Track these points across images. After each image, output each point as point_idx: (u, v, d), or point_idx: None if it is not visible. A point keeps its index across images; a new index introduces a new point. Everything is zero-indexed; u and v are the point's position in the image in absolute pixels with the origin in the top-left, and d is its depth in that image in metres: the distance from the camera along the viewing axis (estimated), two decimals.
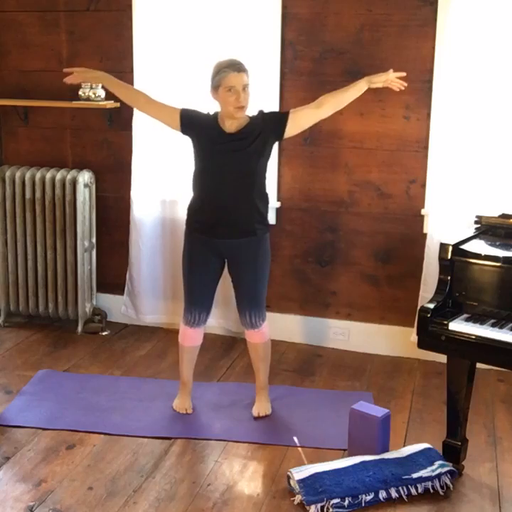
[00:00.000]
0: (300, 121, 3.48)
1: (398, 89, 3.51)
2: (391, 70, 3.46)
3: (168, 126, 3.55)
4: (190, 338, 3.68)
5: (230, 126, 3.42)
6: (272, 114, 3.61)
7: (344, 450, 3.34)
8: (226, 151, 3.41)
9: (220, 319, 4.62)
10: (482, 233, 3.30)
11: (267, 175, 3.56)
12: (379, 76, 3.47)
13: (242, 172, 3.43)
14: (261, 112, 3.50)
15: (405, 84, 3.50)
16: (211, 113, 3.50)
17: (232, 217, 3.46)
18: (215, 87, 3.37)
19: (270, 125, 3.45)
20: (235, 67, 3.33)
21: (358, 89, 3.48)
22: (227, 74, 3.31)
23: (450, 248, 3.06)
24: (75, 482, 3.09)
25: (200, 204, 3.51)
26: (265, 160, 3.48)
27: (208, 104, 3.58)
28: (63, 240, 4.62)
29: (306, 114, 3.49)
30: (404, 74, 3.50)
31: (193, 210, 3.56)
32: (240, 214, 3.46)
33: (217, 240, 3.50)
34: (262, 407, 3.68)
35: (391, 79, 3.47)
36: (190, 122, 3.48)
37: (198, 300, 3.59)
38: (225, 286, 4.56)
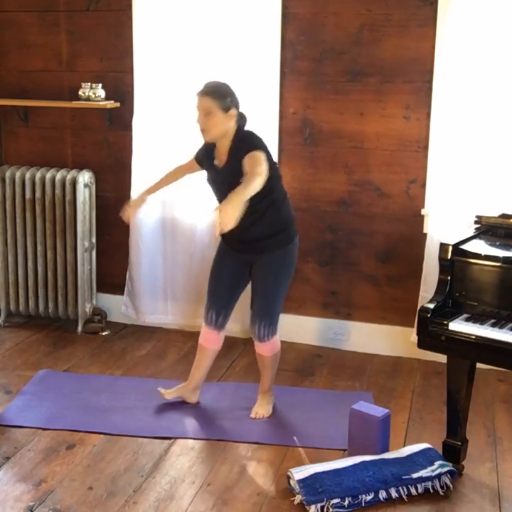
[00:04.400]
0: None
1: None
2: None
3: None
4: (205, 337, 3.73)
5: (220, 155, 3.47)
6: (246, 148, 3.34)
7: (344, 450, 3.34)
8: (220, 184, 3.47)
9: None
10: (482, 233, 3.30)
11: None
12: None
13: None
14: (241, 138, 3.40)
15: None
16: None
17: (240, 238, 3.49)
18: None
19: (242, 158, 3.31)
20: (200, 90, 3.40)
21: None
22: (196, 96, 3.41)
23: (450, 248, 3.06)
24: (75, 482, 3.09)
25: None
26: None
27: None
28: (63, 239, 4.62)
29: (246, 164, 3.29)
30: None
31: None
32: (245, 236, 3.47)
33: (236, 253, 3.60)
34: (260, 408, 3.69)
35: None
36: (202, 163, 3.59)
37: (213, 300, 3.66)
38: None
